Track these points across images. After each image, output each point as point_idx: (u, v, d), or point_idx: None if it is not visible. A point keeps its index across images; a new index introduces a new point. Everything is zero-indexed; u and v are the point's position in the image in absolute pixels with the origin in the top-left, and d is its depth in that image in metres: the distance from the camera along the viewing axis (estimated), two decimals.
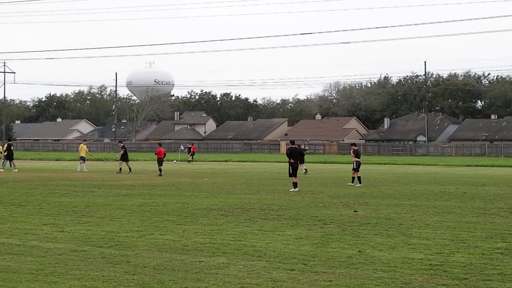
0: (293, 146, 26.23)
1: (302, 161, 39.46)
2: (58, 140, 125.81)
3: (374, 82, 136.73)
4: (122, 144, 40.72)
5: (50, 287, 8.67)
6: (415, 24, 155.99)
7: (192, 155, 64.61)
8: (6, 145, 39.85)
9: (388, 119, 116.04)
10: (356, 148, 29.16)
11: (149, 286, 8.73)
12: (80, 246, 11.74)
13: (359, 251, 11.22)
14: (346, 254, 10.95)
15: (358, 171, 28.22)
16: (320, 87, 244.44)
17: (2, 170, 38.52)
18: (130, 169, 38.29)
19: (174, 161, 62.36)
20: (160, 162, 36.60)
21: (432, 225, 14.68)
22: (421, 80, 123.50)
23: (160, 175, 35.19)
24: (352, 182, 28.08)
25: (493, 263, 10.27)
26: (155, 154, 37.60)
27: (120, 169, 38.33)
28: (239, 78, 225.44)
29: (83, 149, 41.05)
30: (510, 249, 11.52)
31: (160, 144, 41.19)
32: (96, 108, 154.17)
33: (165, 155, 37.55)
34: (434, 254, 10.97)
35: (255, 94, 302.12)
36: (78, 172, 38.70)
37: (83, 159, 40.76)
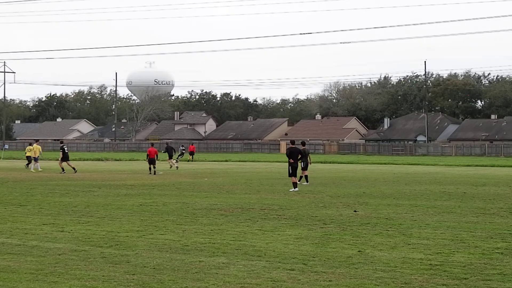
0: (293, 146, 26.23)
1: (171, 157, 43.66)
2: (58, 140, 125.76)
3: (374, 82, 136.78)
4: (61, 145, 40.34)
5: (50, 287, 8.67)
6: (414, 24, 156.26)
7: (192, 154, 64.50)
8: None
9: (388, 119, 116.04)
10: (305, 147, 29.36)
11: (149, 286, 8.73)
12: (80, 246, 11.74)
13: (359, 251, 11.22)
14: (346, 254, 10.94)
15: (307, 169, 28.57)
16: (320, 87, 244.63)
17: (39, 169, 39.47)
18: (63, 169, 37.67)
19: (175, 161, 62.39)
20: (152, 161, 37.10)
21: (432, 225, 14.67)
22: (421, 80, 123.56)
23: (151, 173, 36.09)
24: (307, 181, 28.28)
25: (493, 263, 10.27)
26: (147, 154, 38.14)
27: (63, 169, 37.87)
28: (239, 78, 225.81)
29: (37, 149, 40.89)
30: (510, 249, 11.52)
31: (152, 144, 41.91)
32: (96, 108, 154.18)
33: (157, 155, 38.06)
34: (434, 254, 10.97)
35: (255, 94, 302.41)
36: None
37: (36, 159, 40.43)
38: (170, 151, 44.30)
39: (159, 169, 37.88)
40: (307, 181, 28.18)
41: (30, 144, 45.83)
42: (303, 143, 30.03)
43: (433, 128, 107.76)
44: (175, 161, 44.28)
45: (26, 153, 44.14)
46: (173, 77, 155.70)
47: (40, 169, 39.57)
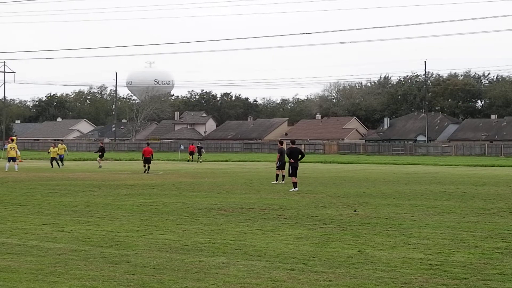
0: (293, 146, 26.28)
1: (102, 156, 46.75)
2: (58, 140, 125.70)
3: (374, 82, 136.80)
4: None
5: (50, 287, 8.67)
6: (414, 24, 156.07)
7: (192, 154, 64.66)
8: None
9: (388, 119, 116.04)
10: (282, 146, 29.27)
11: (149, 286, 8.73)
12: (80, 246, 11.74)
13: (359, 251, 11.22)
14: (346, 254, 10.94)
15: (284, 169, 28.66)
16: (320, 87, 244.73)
17: (5, 170, 38.64)
18: None
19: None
20: (147, 161, 38.60)
21: (432, 225, 14.67)
22: (421, 80, 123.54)
23: (146, 172, 37.45)
24: (276, 180, 28.57)
25: (493, 263, 10.27)
26: (142, 153, 39.75)
27: None
28: (239, 78, 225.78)
29: (13, 149, 40.41)
30: (510, 249, 11.52)
31: (148, 144, 43.47)
32: (96, 108, 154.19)
33: (152, 155, 39.59)
34: (434, 254, 10.97)
35: (254, 94, 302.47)
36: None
37: (14, 159, 39.71)
38: (103, 151, 47.27)
39: (159, 169, 37.89)
40: (283, 180, 28.48)
41: (55, 145, 47.16)
42: (281, 142, 30.05)
43: (433, 128, 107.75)
44: (102, 161, 47.38)
45: (50, 154, 46.11)
46: (173, 77, 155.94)
47: (6, 170, 38.37)
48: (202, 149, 65.48)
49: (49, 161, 46.79)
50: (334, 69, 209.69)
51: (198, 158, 61.98)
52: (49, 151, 47.07)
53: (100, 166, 45.32)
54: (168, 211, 17.25)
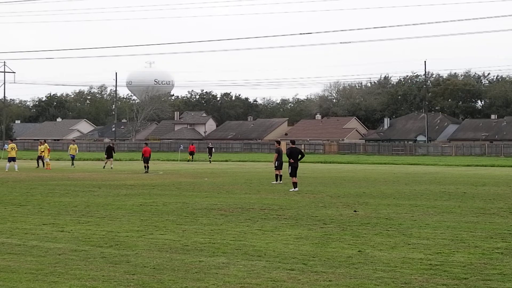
0: (293, 146, 26.28)
1: (111, 156, 45.99)
2: (58, 140, 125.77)
3: (374, 82, 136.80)
4: None
5: (50, 287, 8.67)
6: (414, 24, 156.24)
7: (192, 154, 64.63)
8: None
9: (388, 119, 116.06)
10: (279, 146, 29.26)
11: (149, 286, 8.73)
12: (80, 246, 11.74)
13: (359, 251, 11.22)
14: (346, 254, 10.94)
15: (281, 169, 28.61)
16: (320, 87, 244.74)
17: (6, 170, 38.45)
18: None
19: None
20: (146, 160, 39.29)
21: (432, 225, 14.67)
22: (421, 80, 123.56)
23: (147, 172, 38.00)
24: (276, 181, 28.55)
25: (493, 263, 10.27)
26: (142, 153, 40.53)
27: None
28: (239, 78, 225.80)
29: (15, 149, 40.13)
30: (510, 249, 11.52)
31: (146, 144, 43.85)
32: (96, 108, 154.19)
33: (150, 154, 40.29)
34: (434, 254, 10.96)
35: (255, 94, 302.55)
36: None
37: (14, 159, 39.33)
38: (110, 151, 46.33)
39: (159, 169, 37.92)
40: (280, 180, 28.46)
41: (41, 144, 46.90)
42: (278, 142, 30.03)
43: (433, 128, 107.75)
44: (109, 163, 45.96)
45: (39, 152, 45.54)
46: (173, 77, 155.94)
47: (7, 170, 38.11)
48: (213, 149, 64.71)
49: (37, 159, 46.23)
50: (335, 69, 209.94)
51: (209, 158, 60.98)
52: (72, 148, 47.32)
53: (111, 167, 44.12)
54: (168, 211, 17.25)
